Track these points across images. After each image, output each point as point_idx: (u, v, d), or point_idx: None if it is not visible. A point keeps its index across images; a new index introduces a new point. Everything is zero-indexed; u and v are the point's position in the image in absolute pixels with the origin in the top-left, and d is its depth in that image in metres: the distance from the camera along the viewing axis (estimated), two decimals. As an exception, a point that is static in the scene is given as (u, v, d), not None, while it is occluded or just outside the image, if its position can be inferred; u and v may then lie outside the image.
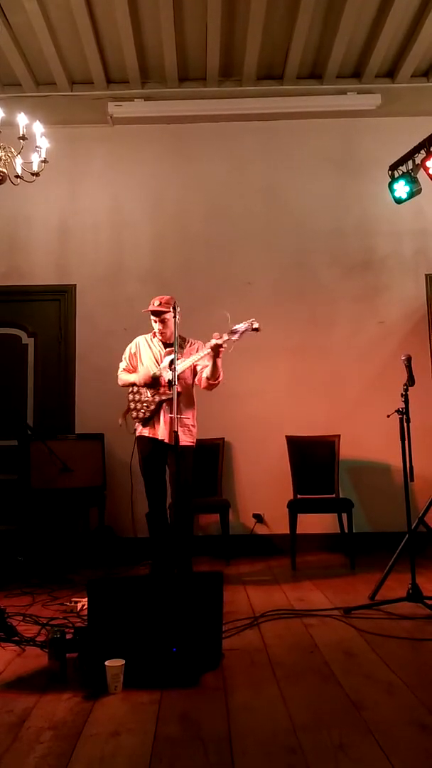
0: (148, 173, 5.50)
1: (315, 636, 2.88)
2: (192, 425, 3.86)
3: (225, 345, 3.60)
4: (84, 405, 5.25)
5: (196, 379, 3.92)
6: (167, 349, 3.83)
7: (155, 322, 3.91)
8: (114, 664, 2.29)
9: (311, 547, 4.83)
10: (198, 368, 3.87)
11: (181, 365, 3.68)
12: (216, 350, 3.62)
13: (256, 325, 3.55)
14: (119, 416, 3.97)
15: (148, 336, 4.03)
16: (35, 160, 3.69)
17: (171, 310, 3.68)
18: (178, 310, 3.66)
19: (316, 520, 4.77)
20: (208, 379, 3.78)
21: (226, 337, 3.58)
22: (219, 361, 3.70)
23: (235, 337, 3.56)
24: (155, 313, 3.91)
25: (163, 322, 3.87)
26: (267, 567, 4.49)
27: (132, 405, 3.90)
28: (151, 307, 3.91)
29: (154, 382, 3.80)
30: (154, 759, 1.80)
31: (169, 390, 3.61)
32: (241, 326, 3.55)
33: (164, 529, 3.84)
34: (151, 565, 3.97)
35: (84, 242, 5.46)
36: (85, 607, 3.04)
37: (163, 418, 3.74)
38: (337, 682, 2.34)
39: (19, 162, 3.62)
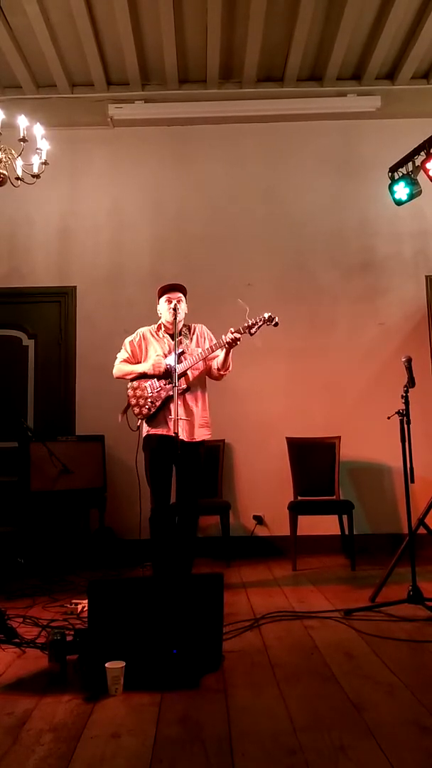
0: (149, 175, 5.51)
1: (315, 637, 2.88)
2: (208, 417, 3.75)
3: (240, 340, 3.52)
4: (84, 406, 5.25)
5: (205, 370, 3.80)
6: (179, 338, 3.65)
7: (171, 301, 3.72)
8: (114, 665, 2.29)
9: (312, 549, 4.82)
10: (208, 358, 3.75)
11: (188, 362, 3.59)
12: (233, 344, 3.53)
13: (276, 320, 3.45)
14: (119, 414, 3.79)
15: (152, 328, 3.87)
16: (36, 162, 3.70)
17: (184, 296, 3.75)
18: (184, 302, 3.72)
19: (316, 521, 4.77)
20: (218, 369, 3.70)
21: (242, 331, 3.49)
22: (230, 353, 3.64)
23: (253, 329, 3.48)
24: (175, 289, 3.79)
25: (179, 302, 3.72)
26: (267, 568, 4.49)
27: (134, 401, 3.70)
28: (169, 283, 3.83)
29: (167, 373, 3.58)
30: (155, 760, 1.80)
31: (180, 384, 3.49)
32: (256, 320, 3.46)
33: (169, 531, 3.67)
34: (153, 567, 3.94)
35: (84, 244, 5.47)
36: (86, 608, 3.04)
37: (173, 414, 3.46)
38: (338, 683, 2.34)
39: (19, 164, 3.63)
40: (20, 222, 5.46)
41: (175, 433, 3.29)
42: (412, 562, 3.30)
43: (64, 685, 2.38)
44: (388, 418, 3.43)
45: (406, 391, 3.43)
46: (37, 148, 3.72)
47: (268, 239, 5.43)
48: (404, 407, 3.40)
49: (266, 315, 3.48)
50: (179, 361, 3.54)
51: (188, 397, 3.66)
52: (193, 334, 3.83)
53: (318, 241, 5.43)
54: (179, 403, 3.45)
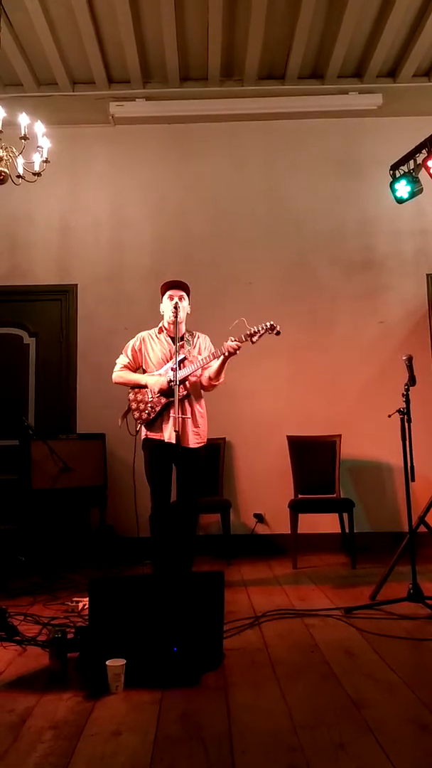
0: (150, 173, 5.51)
1: (316, 636, 2.88)
2: (203, 424, 3.74)
3: (239, 349, 3.50)
4: (85, 405, 5.25)
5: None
6: (180, 343, 3.60)
7: (172, 298, 3.70)
8: (115, 663, 2.29)
9: (312, 547, 4.83)
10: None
11: (190, 368, 3.58)
12: (233, 353, 3.49)
13: (277, 329, 3.43)
14: (119, 417, 3.80)
15: (153, 331, 3.84)
16: (37, 159, 3.70)
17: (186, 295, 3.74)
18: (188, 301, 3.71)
19: (317, 519, 4.77)
20: (210, 378, 3.68)
21: (244, 339, 3.47)
22: (225, 364, 3.60)
23: (255, 338, 3.46)
24: (177, 286, 3.76)
25: (181, 300, 3.69)
26: (268, 567, 4.49)
27: (134, 405, 3.71)
28: (171, 280, 3.81)
29: (169, 390, 3.52)
30: (155, 758, 1.80)
31: (180, 391, 3.47)
32: (258, 329, 3.45)
33: (168, 531, 3.67)
34: (154, 565, 3.93)
35: (85, 242, 5.46)
36: (86, 606, 3.05)
37: (172, 419, 3.47)
38: (338, 681, 2.34)
39: (20, 162, 3.64)
40: (21, 220, 5.45)
41: (176, 431, 3.30)
42: (412, 561, 3.30)
43: (65, 682, 2.39)
44: (389, 416, 3.43)
45: (407, 390, 3.43)
46: (38, 146, 3.72)
47: (268, 237, 5.42)
48: (405, 405, 3.40)
49: (268, 324, 3.45)
50: (180, 368, 3.51)
51: (185, 404, 3.62)
52: (196, 341, 3.81)
53: (319, 239, 5.42)
54: (171, 407, 3.44)
